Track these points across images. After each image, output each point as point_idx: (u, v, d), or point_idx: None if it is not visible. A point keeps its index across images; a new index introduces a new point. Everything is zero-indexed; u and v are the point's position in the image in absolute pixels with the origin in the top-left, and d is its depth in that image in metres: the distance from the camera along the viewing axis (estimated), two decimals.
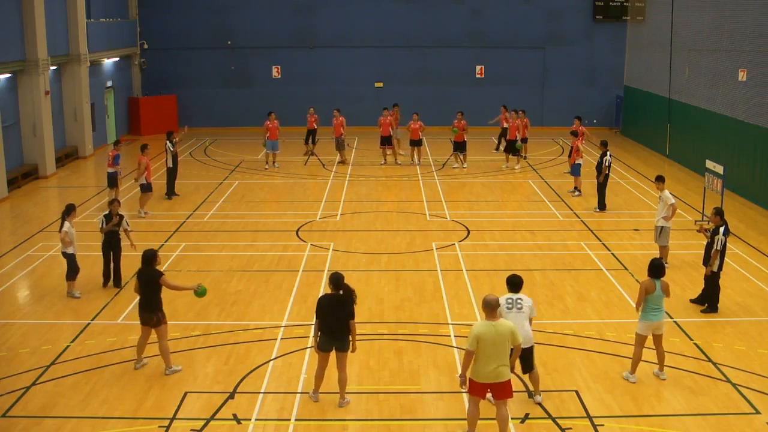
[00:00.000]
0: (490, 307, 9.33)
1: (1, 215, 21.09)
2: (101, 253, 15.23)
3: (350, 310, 10.34)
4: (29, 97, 24.94)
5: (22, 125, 25.13)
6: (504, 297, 10.39)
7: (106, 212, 15.10)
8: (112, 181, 21.21)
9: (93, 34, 29.53)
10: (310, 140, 28.73)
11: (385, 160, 27.20)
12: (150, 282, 11.36)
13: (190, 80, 35.46)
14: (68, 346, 12.47)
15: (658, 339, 11.30)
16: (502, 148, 28.75)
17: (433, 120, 31.68)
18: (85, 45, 28.53)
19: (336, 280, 10.39)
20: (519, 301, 10.38)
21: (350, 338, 10.41)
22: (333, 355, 10.49)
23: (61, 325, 13.44)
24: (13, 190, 23.39)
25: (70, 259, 14.71)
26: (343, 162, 27.32)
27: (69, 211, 14.76)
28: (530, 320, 10.49)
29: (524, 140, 27.47)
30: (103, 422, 10.18)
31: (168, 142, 22.25)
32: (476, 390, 9.45)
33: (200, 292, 11.63)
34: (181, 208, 21.45)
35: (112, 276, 15.26)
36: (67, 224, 14.56)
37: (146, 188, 20.47)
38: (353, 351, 10.51)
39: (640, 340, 11.27)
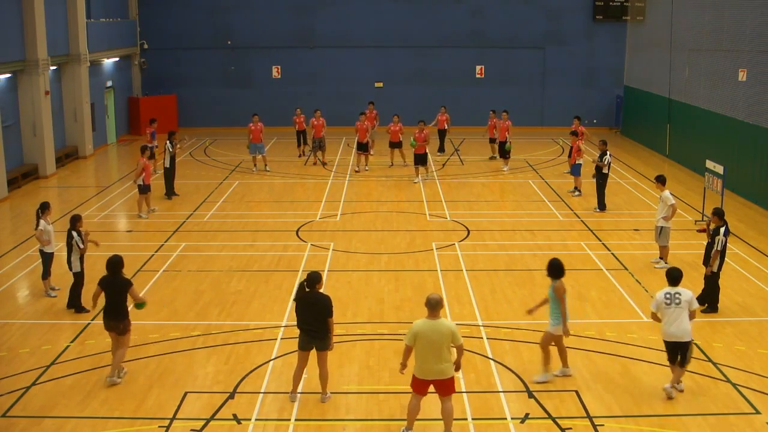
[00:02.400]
0: (431, 306, 9.42)
1: (1, 215, 21.09)
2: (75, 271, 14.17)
3: (327, 307, 10.38)
4: (29, 97, 24.94)
5: (22, 125, 25.13)
6: (663, 291, 10.68)
7: (76, 231, 13.91)
8: (150, 155, 23.80)
9: (93, 34, 29.52)
10: (302, 141, 28.70)
11: (367, 165, 26.41)
12: (120, 289, 11.10)
13: (190, 80, 35.46)
14: (68, 346, 12.47)
15: (560, 339, 11.22)
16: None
17: (433, 120, 31.66)
18: (85, 45, 28.53)
19: (310, 279, 10.43)
20: (677, 295, 10.60)
21: (329, 336, 10.51)
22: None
23: (61, 325, 13.43)
24: (13, 190, 23.39)
25: (47, 258, 14.53)
26: (324, 164, 27.06)
27: (43, 208, 14.53)
28: (693, 313, 10.65)
29: (493, 140, 27.62)
30: (103, 422, 10.18)
31: (168, 142, 22.20)
32: (418, 386, 9.60)
33: (140, 305, 11.47)
34: (181, 208, 21.46)
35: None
36: (42, 222, 14.38)
37: (143, 190, 20.41)
38: (330, 349, 10.58)
39: (553, 340, 11.24)
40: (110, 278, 11.20)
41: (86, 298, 14.21)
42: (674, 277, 10.81)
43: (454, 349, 9.48)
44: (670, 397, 10.67)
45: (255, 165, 26.44)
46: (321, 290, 10.60)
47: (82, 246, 13.87)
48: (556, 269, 11.11)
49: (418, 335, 9.36)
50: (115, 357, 11.23)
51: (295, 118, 28.49)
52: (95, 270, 16.15)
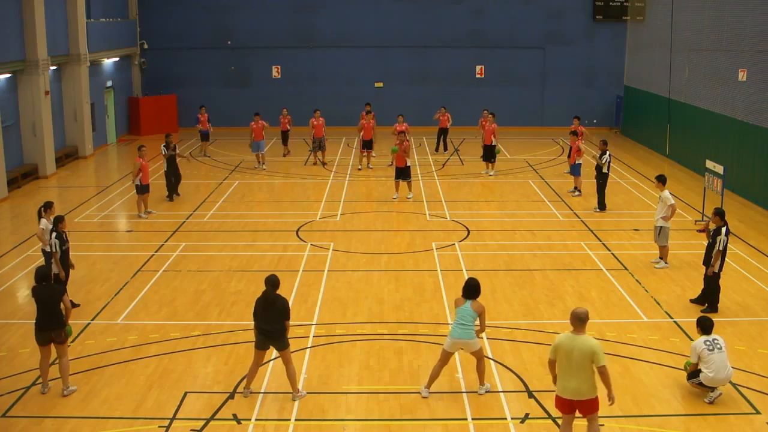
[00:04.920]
0: (577, 320, 8.87)
1: (1, 215, 21.09)
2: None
3: (284, 309, 10.52)
4: (29, 97, 24.93)
5: (22, 125, 25.12)
6: (700, 340, 10.69)
7: (56, 233, 13.66)
8: (205, 137, 28.88)
9: (93, 34, 29.52)
10: (286, 141, 28.71)
11: (362, 164, 26.56)
12: (53, 298, 10.78)
13: (190, 80, 35.44)
14: (68, 346, 12.44)
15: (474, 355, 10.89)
16: (445, 148, 29.77)
17: (434, 121, 31.63)
18: (85, 45, 28.53)
19: (270, 282, 10.54)
20: (716, 341, 10.69)
21: (286, 336, 10.65)
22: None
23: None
24: (13, 190, 23.38)
25: (49, 257, 14.31)
26: (323, 164, 27.03)
27: (46, 208, 14.39)
28: None
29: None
30: (103, 422, 10.18)
31: (163, 145, 21.93)
32: (562, 406, 9.13)
33: (67, 331, 11.02)
34: (181, 208, 21.45)
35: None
36: (44, 221, 14.19)
37: (141, 190, 20.33)
38: (288, 347, 10.70)
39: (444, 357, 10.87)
40: (41, 288, 10.84)
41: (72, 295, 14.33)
42: (706, 326, 10.80)
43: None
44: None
45: (258, 162, 26.50)
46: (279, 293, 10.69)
47: (55, 250, 13.56)
48: (474, 289, 10.78)
49: (558, 349, 8.91)
50: (62, 367, 10.90)
51: (281, 118, 28.51)
52: (95, 269, 16.28)
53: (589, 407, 8.98)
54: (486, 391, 10.90)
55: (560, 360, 8.93)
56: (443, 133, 29.62)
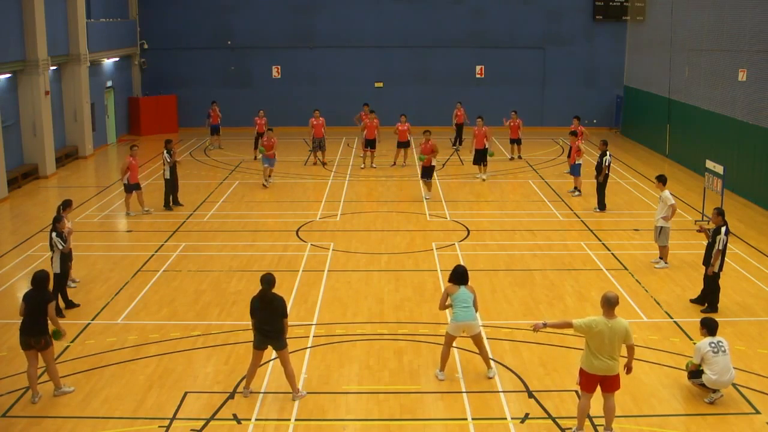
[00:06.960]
0: (610, 305, 9.47)
1: (1, 215, 21.08)
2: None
3: (282, 308, 10.57)
4: (29, 97, 24.93)
5: (22, 125, 25.12)
6: (705, 342, 10.79)
7: (56, 232, 13.82)
8: (215, 131, 29.71)
9: (93, 34, 29.52)
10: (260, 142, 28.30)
11: (365, 163, 26.78)
12: (41, 304, 10.68)
13: (190, 80, 35.43)
14: (68, 346, 12.47)
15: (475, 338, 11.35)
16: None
17: (433, 120, 31.67)
18: (85, 45, 28.52)
19: (266, 281, 10.59)
20: (720, 343, 10.75)
21: (283, 335, 10.67)
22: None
23: (61, 325, 13.37)
24: (13, 190, 23.38)
25: (63, 256, 14.53)
26: (323, 164, 27.01)
27: (65, 206, 14.72)
28: None
29: (518, 141, 27.98)
30: (103, 422, 10.18)
31: (165, 152, 21.00)
32: (586, 382, 9.62)
33: (56, 334, 10.90)
34: (181, 208, 21.42)
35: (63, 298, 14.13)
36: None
37: (129, 188, 20.28)
38: (286, 347, 10.74)
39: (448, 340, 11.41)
40: (33, 293, 10.78)
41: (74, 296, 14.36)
42: (712, 327, 10.87)
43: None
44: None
45: (265, 179, 24.12)
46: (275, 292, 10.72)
47: (61, 247, 13.71)
48: (465, 275, 11.37)
49: (593, 327, 9.39)
50: (50, 374, 10.85)
51: (256, 119, 28.23)
52: (95, 269, 16.28)
53: (615, 382, 9.60)
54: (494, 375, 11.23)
55: (594, 339, 9.41)
56: (460, 128, 30.23)
